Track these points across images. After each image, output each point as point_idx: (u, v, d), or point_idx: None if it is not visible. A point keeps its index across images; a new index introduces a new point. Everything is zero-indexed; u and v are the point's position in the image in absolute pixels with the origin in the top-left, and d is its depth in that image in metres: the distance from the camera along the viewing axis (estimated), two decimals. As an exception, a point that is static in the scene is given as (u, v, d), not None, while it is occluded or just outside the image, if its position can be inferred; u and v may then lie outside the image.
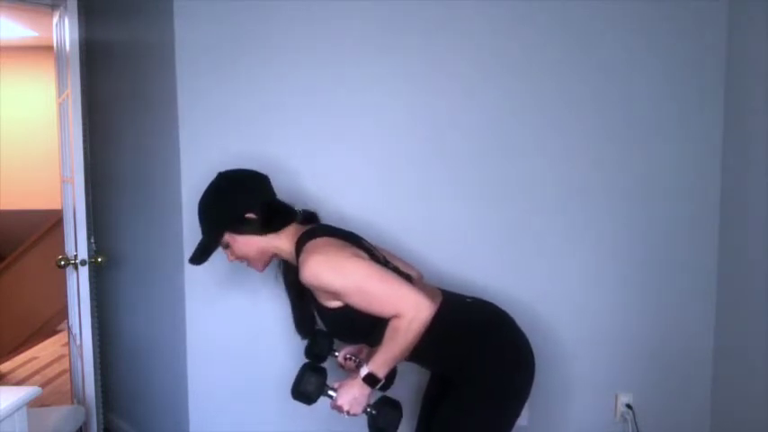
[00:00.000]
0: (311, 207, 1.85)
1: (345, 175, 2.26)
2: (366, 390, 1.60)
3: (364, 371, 1.60)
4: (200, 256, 1.75)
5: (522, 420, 1.73)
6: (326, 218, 1.90)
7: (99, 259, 2.49)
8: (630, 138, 2.32)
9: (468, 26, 2.24)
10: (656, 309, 2.38)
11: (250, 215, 1.70)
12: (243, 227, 1.70)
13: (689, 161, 2.35)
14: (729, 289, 2.33)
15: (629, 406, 2.38)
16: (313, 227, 1.74)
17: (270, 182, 1.79)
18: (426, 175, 2.28)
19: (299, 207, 1.81)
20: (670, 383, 2.40)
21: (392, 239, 2.12)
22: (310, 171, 2.23)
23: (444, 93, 2.26)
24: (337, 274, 1.58)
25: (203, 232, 1.76)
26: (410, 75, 2.25)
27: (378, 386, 1.62)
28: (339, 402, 1.61)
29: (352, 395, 1.60)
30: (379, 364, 1.59)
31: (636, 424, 2.35)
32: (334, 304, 1.64)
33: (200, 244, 1.76)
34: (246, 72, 2.21)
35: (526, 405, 1.72)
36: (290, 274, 1.79)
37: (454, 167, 2.29)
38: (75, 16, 2.33)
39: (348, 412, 1.61)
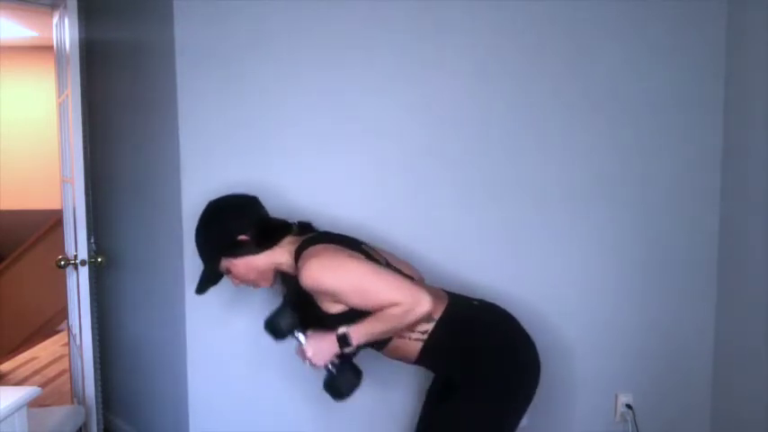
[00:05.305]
0: (306, 216, 1.89)
1: (345, 174, 2.26)
2: (334, 347, 1.61)
3: (342, 330, 1.60)
4: (204, 285, 1.81)
5: (523, 421, 1.73)
6: (326, 220, 1.90)
7: (99, 259, 2.49)
8: (630, 137, 2.32)
9: (467, 28, 2.24)
10: (656, 309, 2.38)
11: (242, 237, 1.73)
12: (238, 250, 1.73)
13: (689, 161, 2.35)
14: (729, 289, 2.33)
15: (629, 406, 2.38)
16: (311, 235, 1.76)
17: (259, 202, 1.83)
18: (426, 176, 2.28)
19: (293, 220, 1.84)
20: (670, 383, 2.40)
21: (391, 240, 2.12)
22: (310, 170, 2.23)
23: (443, 94, 2.26)
24: (334, 275, 1.61)
25: (203, 263, 1.80)
26: (410, 76, 2.25)
27: (346, 350, 1.61)
28: (305, 348, 1.63)
29: (320, 346, 1.62)
30: (358, 331, 1.60)
31: (636, 424, 2.35)
32: (337, 309, 1.64)
33: (202, 274, 1.81)
34: (246, 72, 2.21)
35: (527, 405, 1.72)
36: (291, 284, 1.79)
37: (454, 168, 2.29)
38: (75, 16, 2.33)
39: (310, 361, 1.63)
